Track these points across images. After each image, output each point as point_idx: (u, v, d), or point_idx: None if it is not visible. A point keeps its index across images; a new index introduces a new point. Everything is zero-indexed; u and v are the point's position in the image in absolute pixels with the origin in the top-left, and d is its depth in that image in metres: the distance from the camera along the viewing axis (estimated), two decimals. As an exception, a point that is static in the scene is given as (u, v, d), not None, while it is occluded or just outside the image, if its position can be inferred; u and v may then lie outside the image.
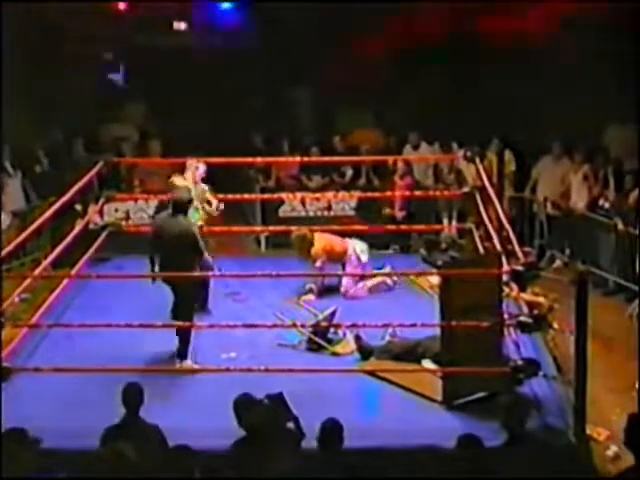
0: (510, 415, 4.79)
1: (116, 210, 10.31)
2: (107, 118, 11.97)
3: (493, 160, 10.18)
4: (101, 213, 10.05)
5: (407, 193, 10.32)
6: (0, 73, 10.28)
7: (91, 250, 8.94)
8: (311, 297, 8.49)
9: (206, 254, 7.35)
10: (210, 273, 7.70)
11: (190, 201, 7.39)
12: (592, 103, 10.26)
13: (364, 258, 8.78)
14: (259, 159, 10.36)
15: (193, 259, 7.15)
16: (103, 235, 9.30)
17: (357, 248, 8.80)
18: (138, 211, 10.40)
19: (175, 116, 11.84)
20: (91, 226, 9.60)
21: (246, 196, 9.95)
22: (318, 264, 8.54)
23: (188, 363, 7.14)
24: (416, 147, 10.98)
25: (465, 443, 4.55)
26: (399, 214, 10.43)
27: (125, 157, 10.97)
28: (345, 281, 8.67)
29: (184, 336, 7.10)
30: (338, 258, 8.75)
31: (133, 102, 12.37)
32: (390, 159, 10.68)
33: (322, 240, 8.70)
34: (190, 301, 7.20)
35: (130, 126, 12.02)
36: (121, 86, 12.99)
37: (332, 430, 4.76)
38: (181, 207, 7.22)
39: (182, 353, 7.13)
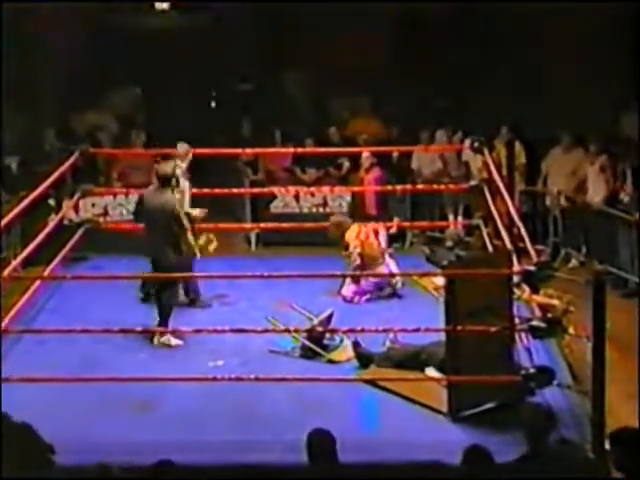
0: (533, 428, 4.74)
1: (93, 205, 10.26)
2: (84, 106, 11.91)
3: (502, 151, 10.15)
4: (76, 208, 10.01)
5: (384, 187, 10.20)
6: (0, 72, 10.27)
7: (66, 248, 8.89)
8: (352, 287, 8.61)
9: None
10: (196, 273, 7.71)
11: (173, 175, 7.79)
12: (606, 90, 10.26)
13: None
14: (248, 150, 10.33)
15: (172, 234, 7.55)
16: (79, 232, 9.26)
17: (392, 264, 8.81)
18: (117, 206, 10.35)
19: (158, 103, 11.80)
20: (65, 222, 9.56)
21: (234, 190, 9.92)
22: (352, 249, 8.57)
23: (168, 337, 7.57)
24: (450, 137, 10.84)
25: (472, 457, 4.51)
26: (373, 212, 10.35)
27: (103, 148, 10.92)
28: (351, 288, 8.65)
29: (164, 311, 7.62)
30: (370, 259, 8.71)
31: (116, 89, 12.30)
32: (394, 150, 10.66)
33: (360, 228, 8.75)
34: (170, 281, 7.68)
35: (108, 114, 11.96)
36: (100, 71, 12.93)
37: (321, 441, 4.72)
38: (164, 181, 7.67)
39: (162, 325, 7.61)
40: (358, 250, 8.66)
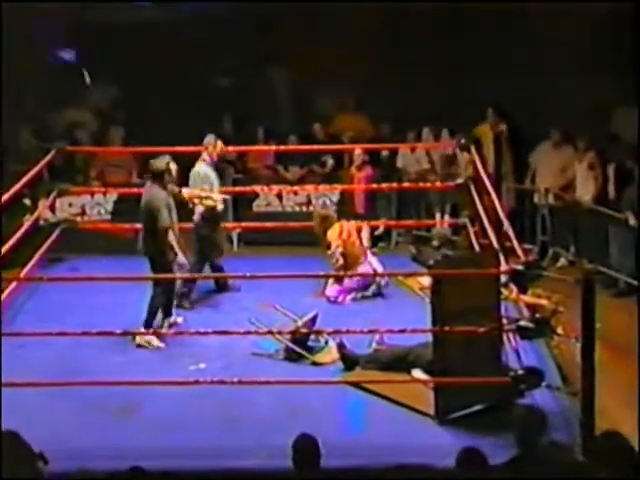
0: (525, 430, 4.76)
1: (70, 205, 10.23)
2: (62, 102, 11.86)
3: (488, 135, 10.15)
4: (53, 208, 9.98)
5: (369, 186, 10.30)
6: (0, 72, 10.26)
7: (42, 249, 8.86)
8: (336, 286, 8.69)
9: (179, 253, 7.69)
10: (177, 275, 7.71)
11: (166, 171, 7.80)
12: (596, 84, 10.32)
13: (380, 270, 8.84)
14: (230, 147, 10.32)
15: (154, 231, 7.63)
16: (56, 232, 9.23)
17: (374, 261, 8.84)
18: (95, 206, 10.34)
19: (137, 99, 11.76)
20: (42, 222, 9.53)
21: (216, 188, 9.89)
22: (334, 249, 8.60)
23: (150, 337, 7.64)
24: (437, 134, 10.86)
25: (466, 460, 4.52)
26: (361, 211, 10.39)
27: (81, 145, 10.89)
28: (335, 287, 8.67)
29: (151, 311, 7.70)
30: (352, 258, 8.73)
31: (94, 85, 12.26)
32: (380, 148, 10.67)
33: (342, 227, 8.77)
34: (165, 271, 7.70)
35: (87, 111, 11.93)
36: (77, 67, 12.88)
37: (307, 447, 4.73)
38: (156, 176, 7.75)
39: (147, 323, 7.67)
40: (340, 250, 8.67)
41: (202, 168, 8.55)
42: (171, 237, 7.67)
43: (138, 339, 7.63)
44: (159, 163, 7.84)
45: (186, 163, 9.14)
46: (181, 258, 7.68)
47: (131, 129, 11.12)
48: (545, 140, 10.35)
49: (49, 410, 6.51)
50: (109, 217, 10.33)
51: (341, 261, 8.67)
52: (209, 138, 8.68)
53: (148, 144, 9.40)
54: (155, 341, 7.63)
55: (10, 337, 7.35)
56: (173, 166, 7.94)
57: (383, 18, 11.63)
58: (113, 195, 10.23)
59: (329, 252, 8.70)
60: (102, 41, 11.76)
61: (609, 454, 4.35)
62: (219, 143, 8.71)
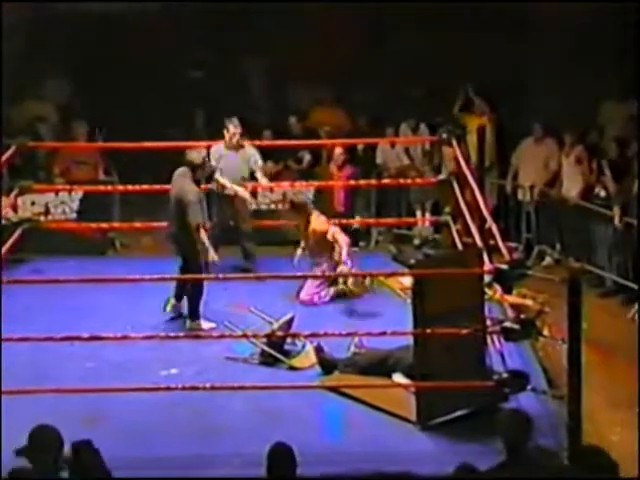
0: (512, 435, 4.80)
1: (33, 203, 10.18)
2: (22, 96, 11.81)
3: (475, 123, 10.22)
4: (14, 207, 9.93)
5: (348, 183, 10.33)
6: (0, 71, 10.26)
7: (3, 250, 8.81)
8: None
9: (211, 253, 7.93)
10: (149, 276, 7.70)
11: (201, 166, 8.00)
12: (583, 79, 10.39)
13: (349, 263, 8.83)
14: (202, 142, 10.31)
15: (185, 227, 7.81)
16: (17, 232, 9.18)
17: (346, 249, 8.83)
18: (59, 204, 10.29)
19: (102, 94, 11.73)
20: (2, 222, 9.47)
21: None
22: (342, 250, 8.57)
23: (201, 322, 7.95)
24: (414, 130, 10.93)
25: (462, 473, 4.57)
26: (341, 209, 10.40)
27: (43, 140, 10.85)
28: (309, 284, 8.68)
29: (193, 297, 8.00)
30: (324, 249, 8.73)
31: (54, 77, 12.22)
32: (359, 142, 10.70)
33: (321, 219, 8.79)
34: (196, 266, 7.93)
35: (49, 105, 11.88)
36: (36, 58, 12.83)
37: (281, 456, 4.74)
38: (191, 169, 7.91)
39: (194, 313, 7.95)
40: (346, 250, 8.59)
41: None
42: (203, 234, 7.81)
43: (188, 325, 7.96)
44: (195, 156, 7.98)
45: (156, 159, 9.17)
46: (213, 255, 7.88)
47: (97, 123, 11.07)
48: (527, 138, 10.41)
49: (12, 418, 6.48)
50: (74, 216, 10.29)
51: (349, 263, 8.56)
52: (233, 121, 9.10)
53: (115, 139, 9.38)
54: (205, 324, 7.91)
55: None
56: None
57: (360, 12, 11.67)
58: (78, 193, 10.20)
59: (338, 250, 8.57)
60: (67, 31, 11.73)
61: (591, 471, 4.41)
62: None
